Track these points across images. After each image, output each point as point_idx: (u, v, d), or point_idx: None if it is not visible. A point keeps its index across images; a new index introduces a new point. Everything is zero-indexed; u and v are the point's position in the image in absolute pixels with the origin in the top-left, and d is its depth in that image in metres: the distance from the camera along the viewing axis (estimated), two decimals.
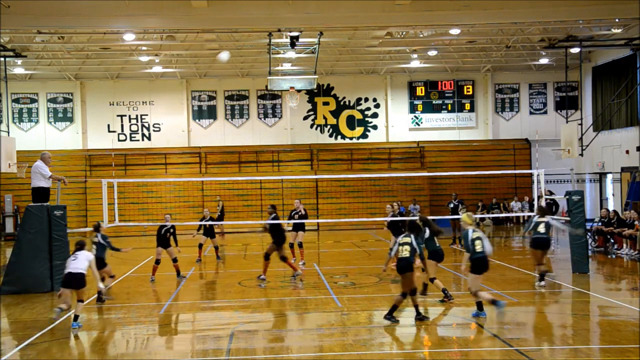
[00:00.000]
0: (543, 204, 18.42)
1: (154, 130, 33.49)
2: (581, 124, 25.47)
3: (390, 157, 33.16)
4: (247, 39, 26.60)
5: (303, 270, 17.25)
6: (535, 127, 31.92)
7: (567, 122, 26.82)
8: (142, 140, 33.41)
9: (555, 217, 14.78)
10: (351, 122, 34.04)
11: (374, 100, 34.15)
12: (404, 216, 18.97)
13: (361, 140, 33.93)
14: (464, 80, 34.15)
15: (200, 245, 20.56)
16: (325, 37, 24.22)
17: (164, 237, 16.43)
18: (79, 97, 33.14)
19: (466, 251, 11.50)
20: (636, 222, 19.68)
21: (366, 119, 34.09)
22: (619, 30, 25.16)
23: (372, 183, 30.98)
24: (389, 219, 17.75)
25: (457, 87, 34.07)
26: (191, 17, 19.98)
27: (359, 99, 34.12)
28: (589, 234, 20.67)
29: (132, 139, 33.37)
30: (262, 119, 33.80)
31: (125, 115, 33.38)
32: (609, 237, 20.97)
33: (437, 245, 13.04)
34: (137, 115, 33.41)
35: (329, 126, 33.99)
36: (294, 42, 22.05)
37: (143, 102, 33.43)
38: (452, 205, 22.57)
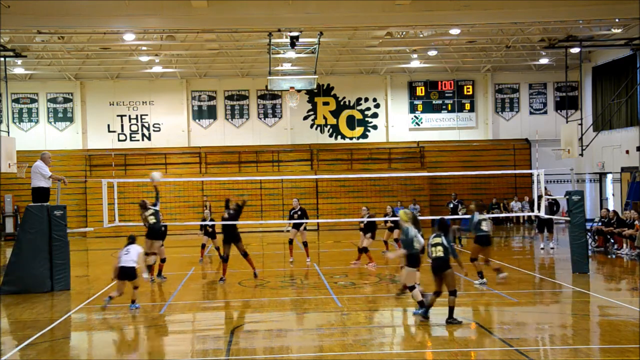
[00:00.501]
0: (542, 204, 18.43)
1: (154, 130, 33.49)
2: (581, 124, 25.47)
3: (390, 157, 33.16)
4: (247, 39, 26.60)
5: (308, 267, 17.30)
6: (535, 127, 31.93)
7: (567, 122, 26.82)
8: (142, 140, 33.41)
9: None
10: (351, 122, 34.04)
11: (374, 100, 34.15)
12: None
13: (361, 140, 33.94)
14: (464, 80, 34.15)
15: (203, 246, 20.66)
16: (325, 37, 24.22)
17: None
18: (79, 97, 33.15)
19: (403, 247, 11.48)
20: (636, 222, 19.68)
21: (366, 119, 34.09)
22: (619, 30, 25.16)
23: (372, 183, 30.98)
24: (365, 219, 18.33)
25: (457, 87, 34.07)
26: (191, 17, 19.98)
27: (359, 99, 34.13)
28: (589, 234, 20.68)
29: (132, 139, 33.37)
30: (262, 119, 33.80)
31: (125, 115, 33.38)
32: (609, 237, 20.97)
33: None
34: (137, 115, 33.41)
35: (329, 126, 33.99)
36: (294, 42, 22.05)
37: (143, 102, 33.43)
38: (451, 205, 22.58)
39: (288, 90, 23.73)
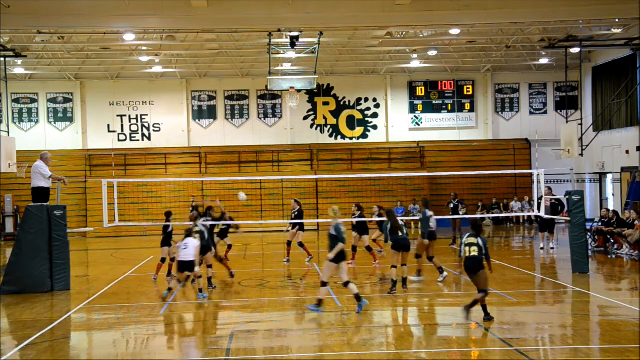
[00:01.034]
0: (543, 204, 18.43)
1: (154, 130, 33.49)
2: (581, 124, 25.47)
3: (390, 157, 33.16)
4: (247, 39, 26.60)
5: (308, 267, 17.30)
6: (535, 127, 31.93)
7: (567, 122, 26.82)
8: (142, 140, 33.41)
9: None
10: (351, 122, 34.05)
11: (374, 100, 34.15)
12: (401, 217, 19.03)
13: (361, 140, 33.94)
14: (464, 80, 34.15)
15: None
16: (325, 37, 24.22)
17: (169, 237, 16.43)
18: (79, 97, 33.15)
19: (332, 243, 12.03)
20: (636, 222, 19.68)
21: (366, 119, 34.10)
22: (619, 30, 25.16)
23: (372, 183, 30.98)
24: (356, 219, 18.65)
25: (457, 87, 34.07)
26: (191, 17, 19.98)
27: (359, 99, 34.13)
28: (589, 234, 20.68)
29: (132, 139, 33.38)
30: (262, 119, 33.81)
31: (125, 115, 33.38)
32: (609, 237, 20.97)
33: (400, 235, 13.98)
34: (137, 115, 33.41)
35: (329, 126, 33.99)
36: (294, 42, 22.05)
37: (143, 102, 33.44)
38: (452, 205, 22.58)
39: (288, 90, 23.73)
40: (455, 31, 25.07)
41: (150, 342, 10.66)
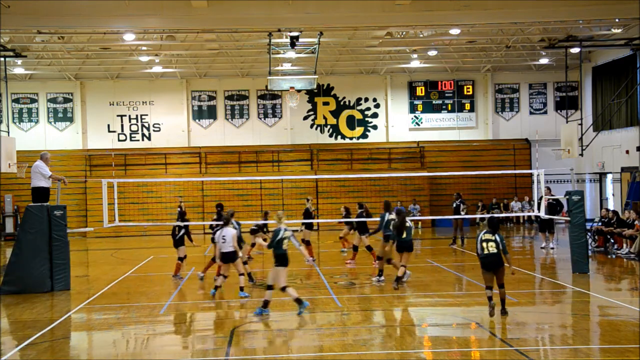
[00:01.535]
0: (543, 205, 18.43)
1: (154, 130, 33.49)
2: (581, 124, 25.47)
3: (390, 157, 33.17)
4: (247, 39, 26.60)
5: (311, 263, 17.36)
6: (535, 127, 31.93)
7: (567, 122, 26.81)
8: (142, 140, 33.41)
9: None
10: (351, 122, 34.05)
11: (374, 100, 34.15)
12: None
13: (361, 140, 33.94)
14: (464, 80, 34.15)
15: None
16: (325, 37, 24.21)
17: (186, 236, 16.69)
18: (79, 97, 33.15)
19: (269, 246, 12.21)
20: (636, 222, 19.68)
21: (366, 119, 34.10)
22: (619, 30, 25.17)
23: (372, 183, 30.99)
24: (356, 219, 18.62)
25: (457, 87, 34.07)
26: (191, 17, 19.98)
27: (359, 99, 34.13)
28: (589, 234, 20.69)
29: (132, 139, 33.38)
30: (262, 119, 33.81)
31: (125, 115, 33.38)
32: (608, 237, 20.97)
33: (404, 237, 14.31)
34: (137, 115, 33.41)
35: (329, 126, 33.99)
36: (294, 42, 22.05)
37: (143, 102, 33.44)
38: (454, 205, 22.60)
39: (288, 90, 23.72)
40: (455, 31, 25.07)
41: (150, 342, 10.66)
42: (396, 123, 34.05)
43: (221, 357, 9.47)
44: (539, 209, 18.70)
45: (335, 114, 34.05)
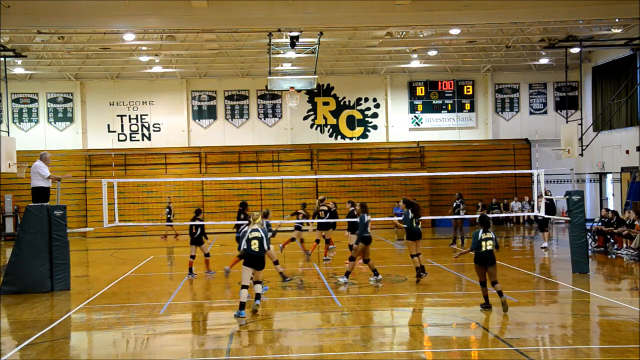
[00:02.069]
0: (543, 203, 18.43)
1: (154, 130, 33.49)
2: (581, 124, 25.47)
3: (390, 157, 33.16)
4: (247, 39, 26.60)
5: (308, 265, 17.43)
6: (535, 127, 31.94)
7: (567, 122, 26.80)
8: (142, 140, 33.41)
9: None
10: (351, 122, 34.05)
11: (374, 100, 34.15)
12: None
13: (361, 140, 33.93)
14: (464, 80, 34.15)
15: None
16: (325, 37, 24.21)
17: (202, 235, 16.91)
18: (79, 97, 33.15)
19: (238, 247, 12.42)
20: (636, 222, 19.68)
21: (366, 119, 34.09)
22: (619, 30, 25.17)
23: (372, 183, 30.99)
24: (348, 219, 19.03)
25: (457, 87, 34.07)
26: (191, 17, 19.97)
27: (359, 99, 34.13)
28: (589, 234, 20.69)
29: (132, 139, 33.38)
30: (262, 119, 33.80)
31: (125, 115, 33.38)
32: (609, 237, 20.97)
33: (415, 226, 15.33)
34: (137, 115, 33.41)
35: (329, 126, 33.99)
36: (294, 42, 22.04)
37: (143, 102, 33.44)
38: (454, 205, 22.60)
39: (288, 90, 23.71)
40: (455, 31, 25.07)
41: (150, 342, 10.66)
42: (396, 123, 34.05)
43: (221, 357, 9.47)
44: (538, 208, 18.71)
45: (335, 114, 34.05)
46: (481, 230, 12.05)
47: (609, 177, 31.79)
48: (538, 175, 18.39)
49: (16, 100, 32.88)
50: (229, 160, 32.64)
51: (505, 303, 11.68)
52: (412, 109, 34.06)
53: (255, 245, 12.01)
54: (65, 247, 15.41)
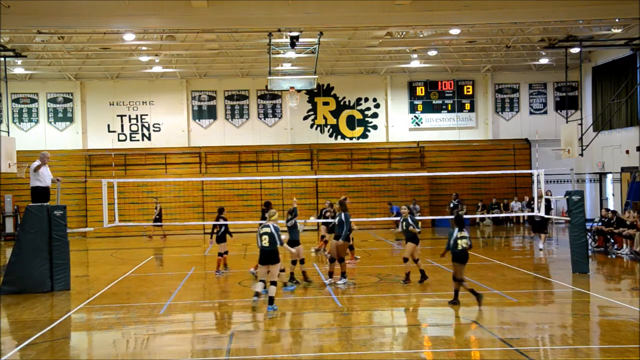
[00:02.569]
0: (543, 204, 18.43)
1: (154, 130, 33.49)
2: (581, 124, 25.47)
3: (390, 157, 33.16)
4: (247, 39, 26.60)
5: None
6: (535, 127, 31.94)
7: (567, 122, 26.80)
8: (142, 140, 33.41)
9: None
10: (351, 122, 34.04)
11: (374, 100, 34.15)
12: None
13: (361, 140, 33.93)
14: (464, 80, 34.15)
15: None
16: (325, 37, 24.21)
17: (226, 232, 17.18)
18: (79, 97, 33.15)
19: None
20: (638, 222, 19.67)
21: (366, 119, 34.09)
22: (619, 30, 25.16)
23: (372, 183, 30.99)
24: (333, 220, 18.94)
25: (457, 87, 34.07)
26: (191, 17, 19.97)
27: (359, 99, 34.13)
28: (589, 234, 20.68)
29: (132, 139, 33.38)
30: (262, 119, 33.80)
31: (125, 115, 33.38)
32: (609, 237, 20.97)
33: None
34: (137, 115, 33.41)
35: (329, 126, 33.99)
36: (294, 42, 22.05)
37: (143, 102, 33.43)
38: (451, 205, 22.61)
39: (288, 90, 23.71)
40: (455, 31, 25.07)
41: (150, 342, 10.66)
42: (396, 123, 34.05)
43: (221, 357, 9.47)
44: (538, 209, 18.68)
45: (335, 114, 34.04)
46: (456, 230, 12.53)
47: (609, 177, 31.79)
48: (538, 175, 18.38)
49: (16, 100, 32.89)
50: (229, 160, 32.64)
51: (455, 302, 12.41)
52: (412, 109, 34.06)
53: (265, 241, 12.44)
54: (65, 247, 15.41)
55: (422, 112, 34.01)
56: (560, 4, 20.28)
